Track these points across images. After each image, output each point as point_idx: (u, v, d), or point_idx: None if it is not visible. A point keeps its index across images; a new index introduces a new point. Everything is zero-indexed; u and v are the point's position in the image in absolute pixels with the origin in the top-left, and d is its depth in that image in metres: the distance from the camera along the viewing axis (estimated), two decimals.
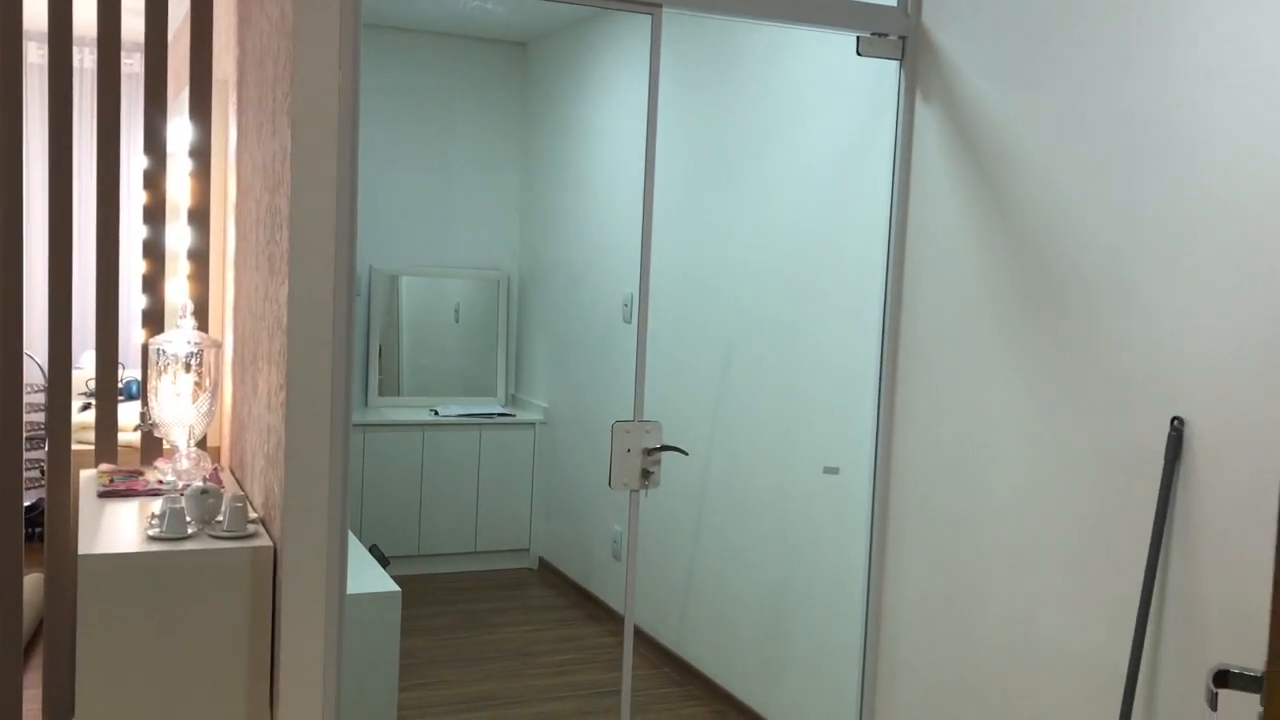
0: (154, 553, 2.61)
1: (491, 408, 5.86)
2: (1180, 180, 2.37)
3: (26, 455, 5.47)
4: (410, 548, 5.53)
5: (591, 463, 5.18)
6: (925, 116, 3.12)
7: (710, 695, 4.12)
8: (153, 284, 3.67)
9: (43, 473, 5.46)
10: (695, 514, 4.29)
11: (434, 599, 5.18)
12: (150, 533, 2.74)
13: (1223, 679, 1.35)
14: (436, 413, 5.67)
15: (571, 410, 5.40)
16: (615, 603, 4.96)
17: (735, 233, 4.04)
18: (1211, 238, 2.30)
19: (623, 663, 3.07)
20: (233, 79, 3.70)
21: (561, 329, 5.53)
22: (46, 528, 3.52)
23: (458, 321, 5.96)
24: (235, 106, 3.65)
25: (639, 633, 4.68)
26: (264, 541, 2.73)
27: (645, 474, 3.08)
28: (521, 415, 5.75)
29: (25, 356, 3.48)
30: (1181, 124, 2.37)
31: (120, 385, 3.79)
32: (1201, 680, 2.31)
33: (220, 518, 2.82)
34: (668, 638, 4.47)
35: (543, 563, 5.73)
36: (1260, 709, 1.11)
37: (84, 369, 5.25)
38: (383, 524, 5.49)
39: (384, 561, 4.89)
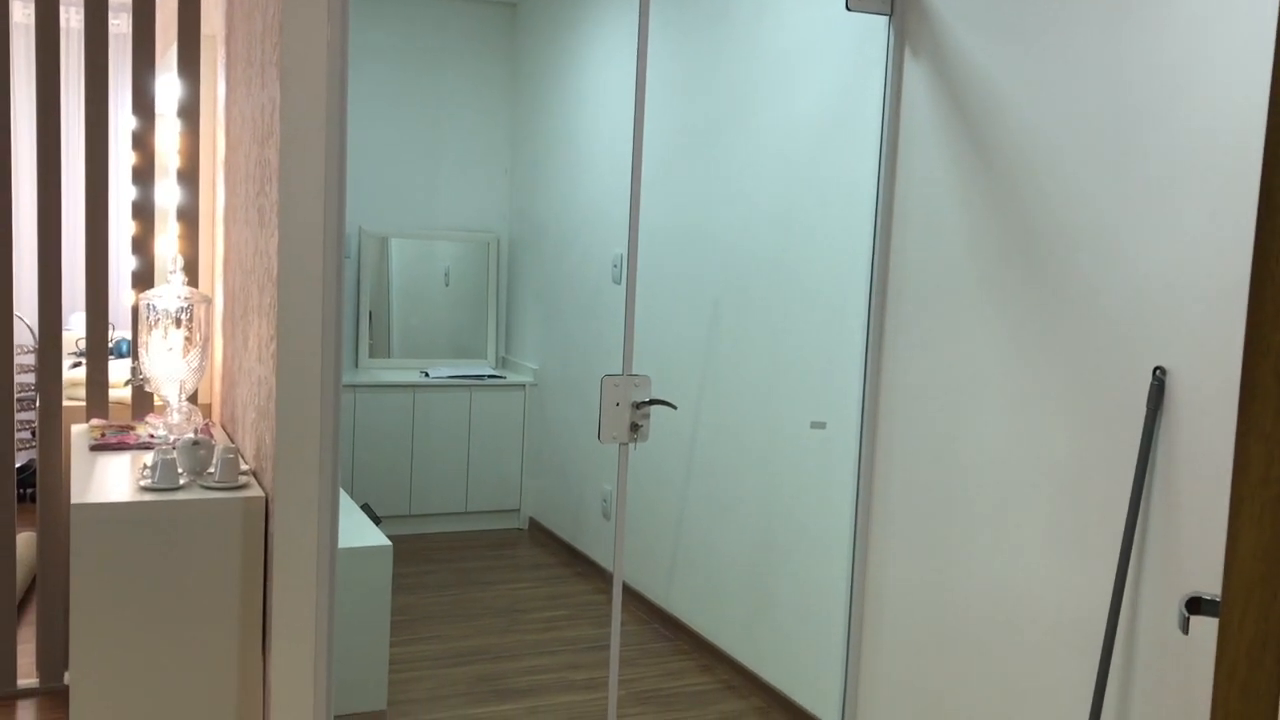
0: (146, 503, 2.64)
1: (482, 370, 5.88)
2: (1165, 132, 2.39)
3: (17, 417, 5.48)
4: (401, 508, 5.57)
5: (581, 424, 5.21)
6: (914, 71, 3.13)
7: (698, 649, 4.17)
8: (142, 244, 3.67)
9: (33, 434, 5.48)
10: (683, 472, 4.32)
11: (425, 558, 5.22)
12: (142, 483, 2.76)
13: (1195, 605, 1.39)
14: (427, 374, 5.69)
15: (561, 372, 5.43)
16: (605, 561, 5.01)
17: (724, 191, 4.06)
18: (1195, 188, 2.32)
19: (611, 618, 3.10)
20: (221, 34, 3.69)
21: (551, 291, 5.54)
22: (39, 483, 3.53)
23: (448, 285, 5.97)
24: (224, 62, 3.64)
25: (628, 589, 4.72)
26: (255, 492, 2.75)
27: (634, 427, 3.10)
28: (511, 377, 5.77)
29: (15, 318, 3.48)
30: (1168, 77, 2.39)
31: (110, 345, 3.80)
32: (1180, 636, 2.35)
33: (212, 469, 2.84)
34: (656, 594, 4.52)
35: (533, 523, 5.77)
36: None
37: (73, 330, 5.25)
38: (374, 484, 5.52)
39: (376, 520, 4.92)
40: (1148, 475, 2.42)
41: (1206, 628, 2.30)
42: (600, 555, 5.06)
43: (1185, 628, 1.33)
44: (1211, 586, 2.29)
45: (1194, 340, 2.32)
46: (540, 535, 5.65)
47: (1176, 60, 2.37)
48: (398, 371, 5.80)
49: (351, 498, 5.28)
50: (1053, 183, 2.66)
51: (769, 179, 3.79)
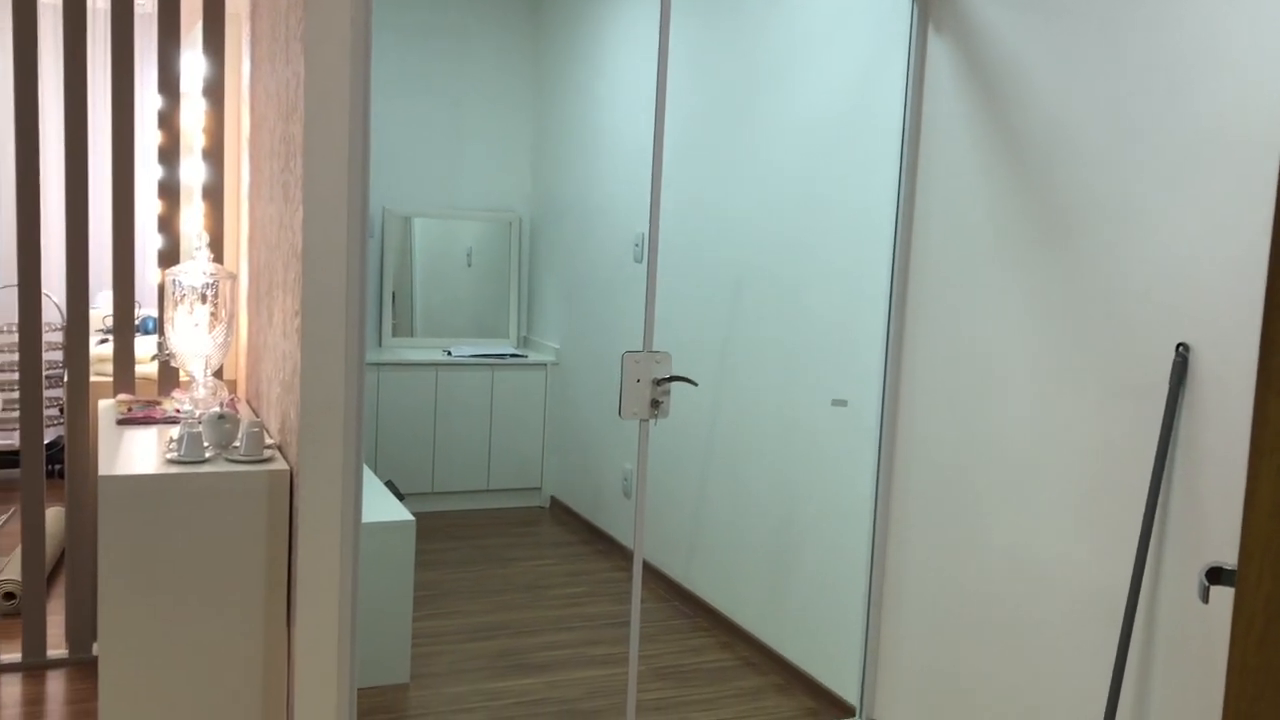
0: (172, 475, 2.67)
1: (504, 349, 5.90)
2: (1189, 106, 2.38)
3: (45, 394, 5.54)
4: (424, 485, 5.60)
5: (602, 403, 5.23)
6: (937, 47, 3.11)
7: (718, 627, 4.19)
8: (168, 223, 3.70)
9: (61, 411, 5.53)
10: (703, 450, 4.33)
11: (447, 534, 5.25)
12: (168, 456, 2.79)
13: (1215, 575, 1.39)
14: (450, 353, 5.71)
15: (583, 352, 5.44)
16: (625, 539, 5.03)
17: (746, 169, 4.05)
18: (1219, 163, 2.31)
19: (631, 594, 3.12)
20: (245, 11, 3.71)
21: (573, 271, 5.55)
22: (67, 457, 3.58)
23: (470, 265, 5.99)
24: (249, 39, 3.66)
25: (648, 567, 4.74)
26: (280, 466, 2.78)
27: (654, 404, 3.11)
28: (533, 356, 5.79)
29: (43, 296, 3.52)
30: (1192, 53, 2.37)
31: (136, 322, 3.84)
32: (1203, 608, 2.35)
33: (237, 443, 2.87)
34: (676, 571, 4.53)
35: (554, 501, 5.80)
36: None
37: (100, 308, 5.30)
38: (397, 461, 5.55)
39: (399, 497, 4.96)
40: (1170, 451, 2.41)
41: (1227, 598, 2.30)
42: (621, 533, 5.08)
43: (1205, 597, 1.34)
44: (1233, 559, 2.28)
45: (1218, 317, 2.31)
46: (561, 513, 5.68)
47: (1201, 36, 2.35)
48: (421, 350, 5.83)
49: (375, 475, 5.32)
50: (1076, 159, 2.65)
51: (791, 157, 3.78)
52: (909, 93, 3.19)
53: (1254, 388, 2.22)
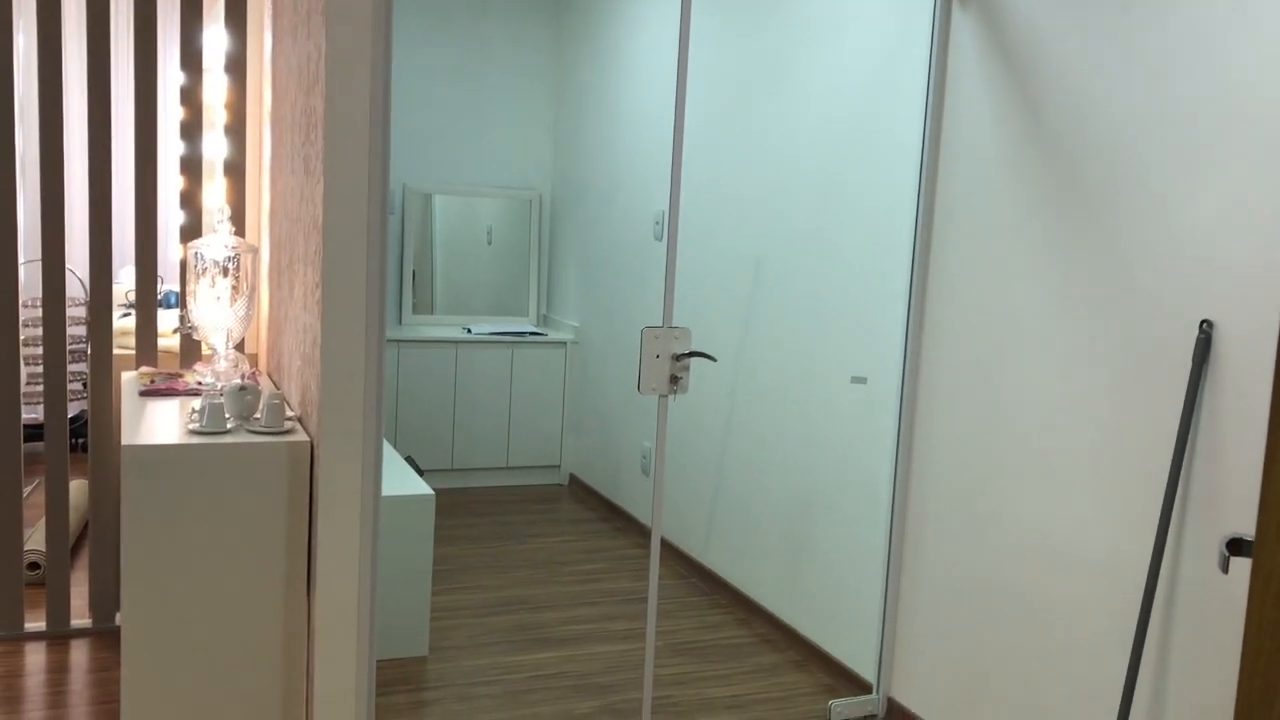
0: (194, 445, 2.68)
1: (523, 327, 5.91)
2: (1213, 84, 2.35)
3: (69, 368, 5.59)
4: (444, 462, 5.63)
5: (622, 381, 5.23)
6: (961, 22, 3.09)
7: (735, 604, 4.20)
8: (190, 199, 3.72)
9: (85, 385, 5.58)
10: (723, 427, 4.33)
11: (467, 511, 5.28)
12: (190, 427, 2.81)
13: (1236, 546, 1.38)
14: (469, 331, 5.73)
15: (602, 330, 5.44)
16: (644, 517, 5.04)
17: (767, 145, 4.03)
18: (1243, 140, 2.29)
19: (649, 570, 3.13)
20: None
21: (593, 249, 5.55)
22: (90, 430, 3.61)
23: (490, 242, 5.99)
24: (270, 13, 3.66)
25: (666, 544, 4.75)
26: (301, 437, 2.80)
27: (674, 379, 3.11)
28: (553, 335, 5.80)
29: (67, 271, 3.55)
30: (1217, 29, 2.34)
31: (159, 297, 3.86)
32: (1223, 584, 2.34)
33: (258, 414, 2.89)
34: (694, 548, 4.54)
35: (573, 479, 5.81)
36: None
37: (123, 283, 5.33)
38: (417, 438, 5.58)
39: (419, 473, 4.98)
40: (1192, 429, 2.40)
41: (1247, 569, 2.29)
42: (639, 510, 5.09)
43: (1225, 567, 1.33)
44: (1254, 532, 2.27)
45: (1242, 294, 2.29)
46: (580, 491, 5.70)
47: (1225, 12, 2.32)
48: (441, 328, 5.85)
49: (395, 451, 5.35)
50: (1100, 136, 2.62)
51: (813, 136, 3.77)
52: (932, 69, 3.17)
53: (1277, 359, 2.20)
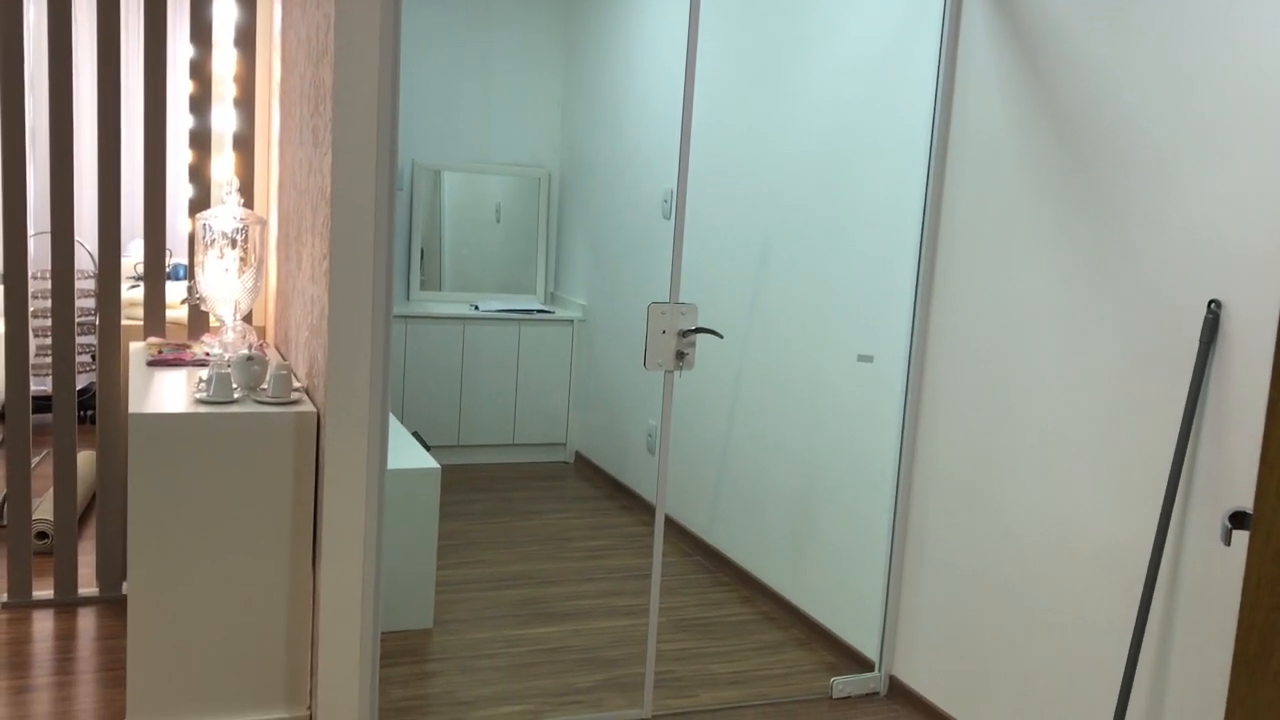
0: (201, 414, 2.70)
1: (531, 305, 5.91)
2: (1222, 65, 2.34)
3: (77, 341, 5.60)
4: (450, 439, 5.64)
5: (628, 360, 5.24)
6: (972, 2, 3.07)
7: (739, 582, 4.21)
8: (199, 172, 3.73)
9: (93, 358, 5.60)
10: (728, 406, 4.34)
11: (472, 487, 5.29)
12: (197, 396, 2.82)
13: (1239, 519, 1.38)
14: (477, 308, 5.73)
15: (610, 309, 5.44)
16: (649, 495, 5.05)
17: (776, 124, 4.02)
18: (1254, 121, 2.28)
19: (653, 546, 3.14)
20: None
21: (601, 227, 5.55)
22: (98, 401, 3.63)
23: (499, 220, 5.99)
24: None
25: (671, 523, 4.76)
26: (308, 408, 2.81)
27: (680, 355, 3.12)
28: (560, 313, 5.80)
29: (75, 243, 3.56)
30: (1226, 8, 2.33)
31: (167, 269, 3.87)
32: (1227, 563, 2.34)
33: (265, 385, 2.90)
34: (699, 527, 4.55)
35: (579, 457, 5.82)
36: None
37: (131, 256, 5.34)
38: (423, 414, 5.59)
39: (425, 448, 4.99)
40: (1199, 408, 2.39)
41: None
42: (645, 489, 5.10)
43: (1228, 539, 1.33)
44: None
45: (1251, 274, 2.29)
46: (586, 469, 5.71)
47: None
48: (448, 304, 5.85)
49: (402, 426, 5.37)
50: (1111, 117, 2.61)
51: (823, 113, 3.76)
52: (943, 49, 3.15)
53: None
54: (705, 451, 4.52)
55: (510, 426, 5.75)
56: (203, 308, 3.55)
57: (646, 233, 5.04)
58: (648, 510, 5.04)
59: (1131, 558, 2.56)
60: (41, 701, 3.00)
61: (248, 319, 3.53)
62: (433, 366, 5.58)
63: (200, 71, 3.67)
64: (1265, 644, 0.72)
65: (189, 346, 3.54)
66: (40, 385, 5.80)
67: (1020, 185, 2.90)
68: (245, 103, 3.75)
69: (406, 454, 3.70)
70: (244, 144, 3.77)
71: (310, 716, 2.87)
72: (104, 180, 3.55)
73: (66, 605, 3.63)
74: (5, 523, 4.05)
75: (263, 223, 3.40)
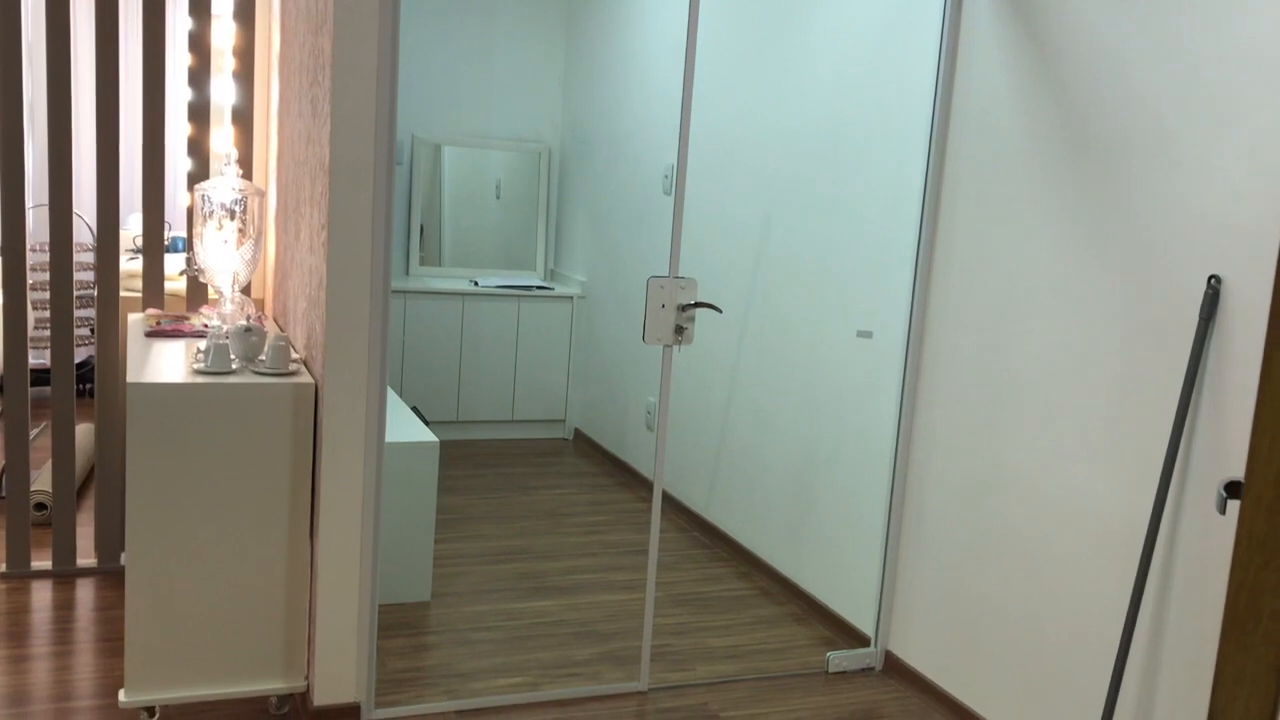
0: (199, 384, 2.69)
1: (531, 281, 5.90)
2: (1225, 41, 2.33)
3: (75, 314, 5.60)
4: (449, 414, 5.64)
5: (628, 338, 5.23)
6: None
7: (737, 557, 4.22)
8: (198, 145, 3.71)
9: (92, 331, 5.59)
10: (727, 383, 4.33)
11: (471, 463, 5.30)
12: (196, 367, 2.82)
13: (1234, 489, 1.38)
14: (476, 284, 5.72)
15: (610, 286, 5.44)
16: (647, 471, 5.05)
17: (777, 99, 4.01)
18: (1256, 96, 2.26)
19: (651, 521, 3.14)
20: None
21: (602, 203, 5.53)
22: (97, 373, 3.62)
23: (499, 196, 5.98)
24: None
25: (669, 499, 4.77)
26: (306, 379, 2.80)
27: (679, 330, 3.11)
28: (560, 289, 5.79)
29: (74, 216, 3.55)
30: None
31: (166, 242, 3.86)
32: (1222, 534, 2.34)
33: (263, 356, 2.89)
34: (697, 503, 4.56)
35: (578, 433, 5.83)
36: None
37: (130, 229, 5.33)
38: (422, 389, 5.59)
39: (424, 423, 4.99)
40: (1197, 382, 2.39)
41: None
42: (643, 465, 5.10)
43: (1223, 508, 1.33)
44: None
45: (1251, 249, 2.28)
46: (585, 445, 5.71)
47: None
48: (448, 280, 5.84)
49: (401, 401, 5.36)
50: (1112, 91, 2.60)
51: (824, 88, 3.74)
52: (946, 23, 3.14)
53: (1277, 266, 2.19)
54: (704, 427, 4.52)
55: (509, 403, 5.75)
56: (201, 279, 3.54)
57: (647, 208, 5.03)
58: (646, 486, 5.05)
59: (1129, 531, 2.56)
60: (39, 671, 3.01)
61: (246, 291, 3.53)
62: (432, 342, 5.58)
63: (199, 44, 3.65)
64: (1254, 601, 0.72)
65: (187, 318, 3.54)
66: (39, 359, 5.80)
67: (1021, 161, 2.89)
68: (244, 75, 3.73)
69: (406, 428, 3.70)
70: (243, 117, 3.75)
71: (308, 688, 2.88)
72: (103, 153, 3.53)
73: (65, 576, 3.64)
74: (4, 494, 4.06)
75: (261, 194, 3.39)
